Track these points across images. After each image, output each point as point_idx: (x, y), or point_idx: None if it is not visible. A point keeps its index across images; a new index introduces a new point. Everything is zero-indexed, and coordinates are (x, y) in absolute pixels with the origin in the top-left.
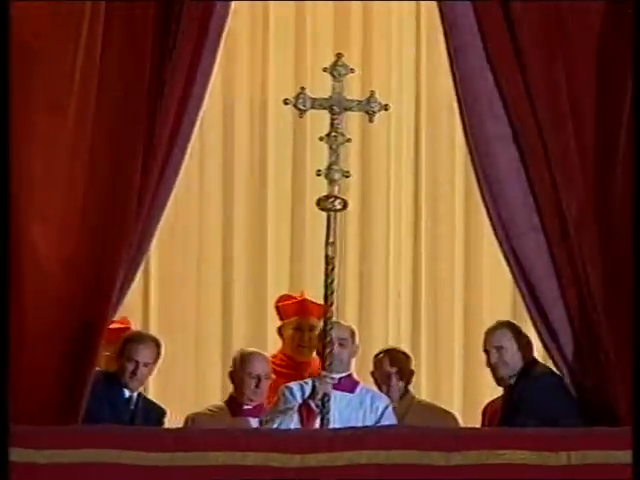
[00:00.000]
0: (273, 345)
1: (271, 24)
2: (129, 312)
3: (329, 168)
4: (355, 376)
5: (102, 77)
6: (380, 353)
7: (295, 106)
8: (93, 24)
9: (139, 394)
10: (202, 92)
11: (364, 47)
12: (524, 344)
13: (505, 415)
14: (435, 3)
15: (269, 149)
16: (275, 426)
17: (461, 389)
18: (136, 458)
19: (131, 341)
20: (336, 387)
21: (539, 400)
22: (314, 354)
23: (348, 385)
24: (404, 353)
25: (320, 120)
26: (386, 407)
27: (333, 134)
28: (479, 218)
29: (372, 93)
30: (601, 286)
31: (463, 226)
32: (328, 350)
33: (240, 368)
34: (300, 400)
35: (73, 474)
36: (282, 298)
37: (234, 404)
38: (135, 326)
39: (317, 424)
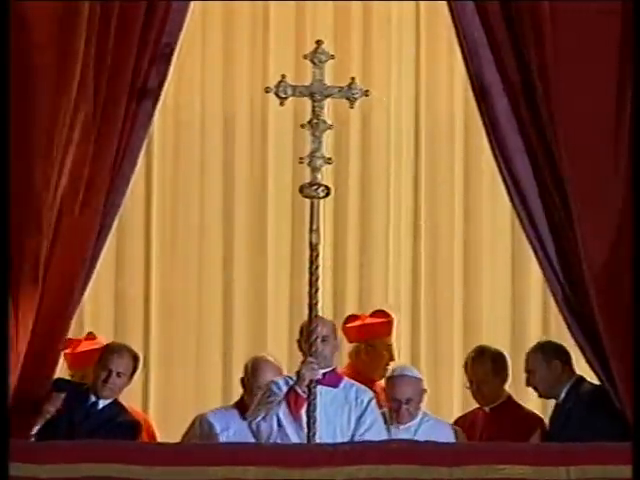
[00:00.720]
0: (273, 345)
1: (271, 24)
2: (131, 313)
3: (311, 155)
4: (339, 370)
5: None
6: (391, 377)
7: (276, 94)
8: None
9: (113, 403)
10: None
11: (364, 47)
12: (556, 364)
13: (552, 430)
14: (434, 3)
15: (269, 146)
16: (260, 417)
17: (461, 386)
18: (137, 472)
19: (108, 351)
20: (320, 382)
21: (585, 418)
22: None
23: (332, 380)
24: (416, 377)
25: None
26: (370, 400)
27: (315, 121)
28: (478, 218)
29: (353, 80)
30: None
31: (462, 225)
32: (314, 337)
33: (251, 377)
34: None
35: None
36: (351, 319)
37: (244, 408)
38: (137, 328)
39: (304, 410)
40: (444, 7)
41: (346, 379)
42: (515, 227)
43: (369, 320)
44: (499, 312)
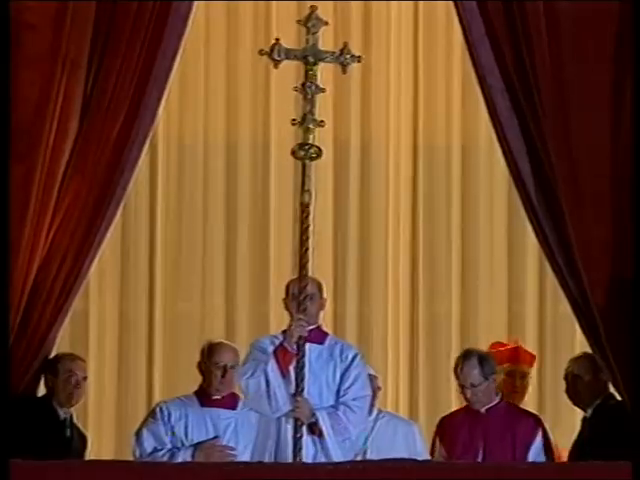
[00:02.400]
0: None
1: (273, 23)
2: (136, 317)
3: (304, 117)
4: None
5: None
6: None
7: (270, 56)
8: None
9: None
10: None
11: (364, 49)
12: (600, 377)
13: (576, 446)
14: (432, 3)
15: (272, 133)
16: (249, 374)
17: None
18: None
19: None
20: (306, 339)
21: (604, 436)
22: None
23: (318, 336)
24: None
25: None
26: (355, 355)
27: (308, 84)
28: (476, 226)
29: (345, 44)
30: None
31: (460, 229)
32: (303, 296)
33: (207, 358)
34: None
35: None
36: (495, 345)
37: (203, 395)
38: (142, 332)
39: (292, 367)
40: (442, 7)
41: (331, 336)
42: (511, 235)
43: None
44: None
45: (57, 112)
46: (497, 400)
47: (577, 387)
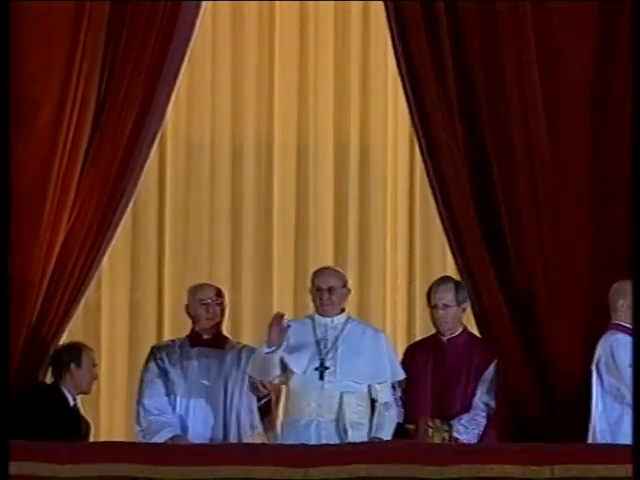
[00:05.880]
0: None
1: (276, 23)
2: (145, 308)
3: None
4: None
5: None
6: (315, 270)
7: None
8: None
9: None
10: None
11: (362, 48)
12: None
13: None
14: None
15: (275, 134)
16: None
17: None
18: (151, 472)
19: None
20: None
21: None
22: None
23: None
24: (339, 272)
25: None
26: None
27: None
28: None
29: None
30: None
31: None
32: None
33: (192, 299)
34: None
35: None
36: None
37: (194, 336)
38: (151, 322)
39: None
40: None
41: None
42: None
43: None
44: None
45: (75, 113)
46: (460, 330)
47: None
